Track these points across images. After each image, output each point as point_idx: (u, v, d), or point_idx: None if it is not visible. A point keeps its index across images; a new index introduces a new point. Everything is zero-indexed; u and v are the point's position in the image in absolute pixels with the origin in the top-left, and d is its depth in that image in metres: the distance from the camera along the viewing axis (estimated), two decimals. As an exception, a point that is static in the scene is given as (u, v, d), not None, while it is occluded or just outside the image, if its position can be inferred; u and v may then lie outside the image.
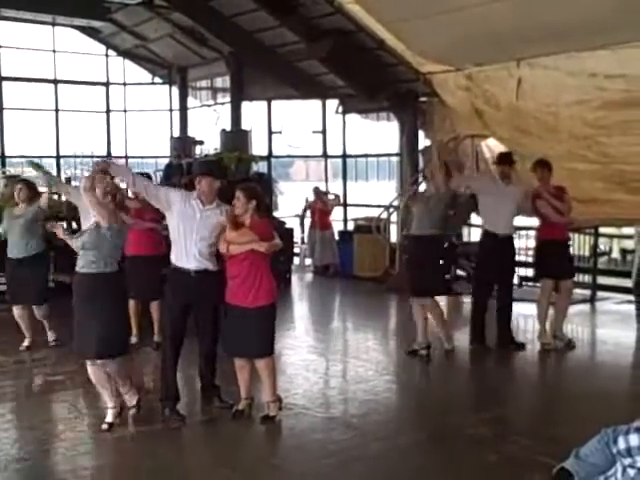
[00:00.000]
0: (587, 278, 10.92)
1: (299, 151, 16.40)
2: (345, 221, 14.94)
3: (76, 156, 15.56)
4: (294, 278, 12.52)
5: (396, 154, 13.94)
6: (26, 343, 7.61)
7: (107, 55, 16.10)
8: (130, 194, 7.13)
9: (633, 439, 2.58)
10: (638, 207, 9.32)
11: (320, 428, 5.47)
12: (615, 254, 15.40)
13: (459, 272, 12.22)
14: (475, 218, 9.84)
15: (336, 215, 14.12)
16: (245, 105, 14.52)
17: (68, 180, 12.62)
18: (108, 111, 16.15)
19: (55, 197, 10.13)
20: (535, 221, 8.35)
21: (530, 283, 10.79)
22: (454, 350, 7.56)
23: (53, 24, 14.67)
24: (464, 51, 9.63)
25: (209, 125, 15.36)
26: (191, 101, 16.38)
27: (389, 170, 14.63)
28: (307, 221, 14.25)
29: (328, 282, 12.82)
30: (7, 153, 14.73)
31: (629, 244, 13.41)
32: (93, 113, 16.05)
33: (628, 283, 9.62)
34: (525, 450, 4.89)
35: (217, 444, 5.28)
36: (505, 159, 7.73)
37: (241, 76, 14.11)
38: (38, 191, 7.64)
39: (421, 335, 7.41)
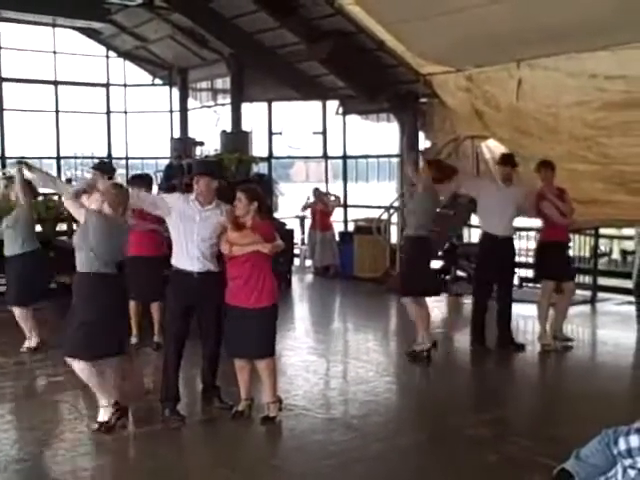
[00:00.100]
0: (587, 279, 10.92)
1: (299, 152, 16.41)
2: (345, 222, 14.94)
3: (76, 157, 15.58)
4: (294, 279, 12.51)
5: (396, 155, 13.95)
6: (27, 344, 7.59)
7: (107, 56, 16.10)
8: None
9: (633, 440, 2.58)
10: (638, 208, 9.32)
11: (320, 429, 5.46)
12: (615, 255, 15.40)
13: (459, 273, 12.22)
14: (475, 219, 9.84)
15: (336, 216, 14.12)
16: (245, 106, 14.52)
17: (69, 181, 12.65)
18: (108, 112, 16.15)
19: (55, 198, 10.12)
20: (535, 222, 8.37)
21: (530, 284, 10.80)
22: (428, 354, 7.34)
23: (53, 25, 14.66)
24: (464, 52, 9.64)
25: (209, 126, 15.37)
26: (191, 102, 16.39)
27: (389, 171, 14.65)
28: (307, 222, 14.25)
29: (328, 283, 12.82)
30: (7, 154, 14.72)
31: (629, 245, 13.41)
32: (93, 114, 16.05)
33: (628, 284, 9.63)
34: (525, 451, 4.89)
35: (217, 445, 5.28)
36: (507, 160, 7.70)
37: (241, 77, 14.11)
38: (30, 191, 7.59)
39: (420, 335, 7.40)
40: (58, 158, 15.55)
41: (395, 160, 14.08)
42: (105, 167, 7.78)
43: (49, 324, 7.73)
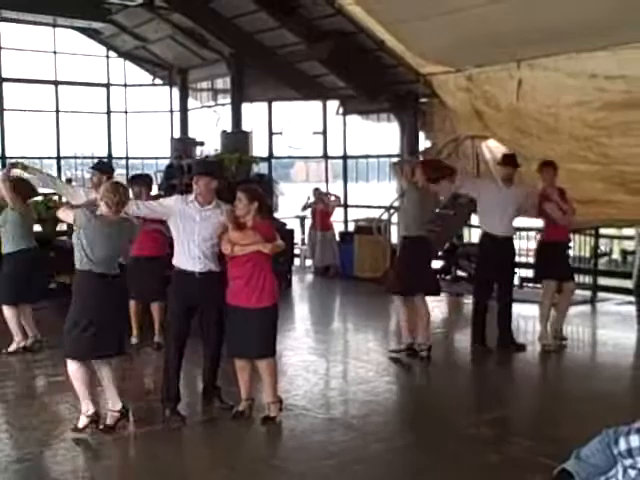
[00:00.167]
0: (588, 279, 10.92)
1: (300, 152, 16.42)
2: (346, 222, 14.94)
3: (77, 157, 15.59)
4: (294, 279, 12.51)
5: (396, 155, 13.95)
6: (14, 346, 7.56)
7: (108, 56, 16.11)
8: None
9: (634, 440, 2.57)
10: (638, 208, 9.33)
11: (320, 429, 5.46)
12: (615, 255, 15.41)
13: (460, 273, 12.23)
14: (476, 218, 9.83)
15: (337, 216, 14.12)
16: (246, 106, 14.52)
17: (69, 181, 12.65)
18: (109, 112, 16.15)
19: (55, 197, 10.12)
20: (535, 222, 8.36)
21: (531, 284, 10.80)
22: (428, 353, 7.34)
23: (54, 25, 14.68)
24: (464, 52, 9.64)
25: (210, 126, 15.38)
26: (192, 102, 16.39)
27: (389, 171, 14.65)
28: (307, 222, 14.25)
29: (328, 283, 12.82)
30: (8, 154, 14.73)
31: (630, 245, 13.42)
32: (94, 114, 16.05)
33: (628, 284, 9.63)
34: (526, 451, 4.89)
35: (217, 445, 5.29)
36: (509, 161, 7.67)
37: (242, 77, 14.11)
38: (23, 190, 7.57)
39: (421, 336, 7.41)
40: (58, 158, 15.57)
41: (395, 160, 14.07)
42: (104, 167, 7.77)
43: (49, 324, 7.74)
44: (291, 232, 12.67)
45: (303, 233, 14.65)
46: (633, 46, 8.06)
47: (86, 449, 5.08)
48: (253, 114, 15.22)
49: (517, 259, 9.04)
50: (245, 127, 14.22)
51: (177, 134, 15.94)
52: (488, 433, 5.29)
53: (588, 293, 10.54)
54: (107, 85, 16.15)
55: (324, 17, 11.75)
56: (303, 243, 14.55)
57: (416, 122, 13.25)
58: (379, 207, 12.90)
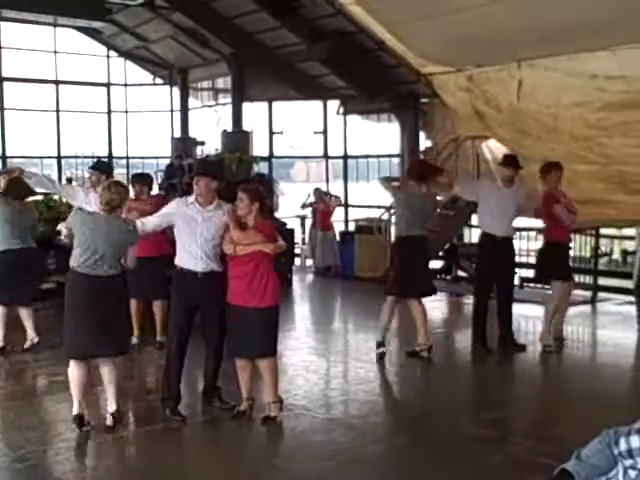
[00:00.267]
0: (588, 279, 10.92)
1: (300, 152, 16.43)
2: (346, 222, 14.95)
3: (77, 157, 15.59)
4: (295, 279, 12.51)
5: (397, 155, 13.95)
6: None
7: (108, 56, 16.12)
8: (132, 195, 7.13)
9: (634, 440, 2.58)
10: (638, 208, 9.33)
11: (321, 429, 5.46)
12: (616, 255, 15.42)
13: (461, 273, 12.22)
14: (476, 219, 9.83)
15: (337, 216, 14.12)
16: (246, 106, 14.53)
17: (69, 180, 12.65)
18: (109, 112, 16.16)
19: (56, 197, 10.11)
20: (535, 222, 8.35)
21: (531, 284, 10.80)
22: (429, 353, 7.36)
23: (54, 25, 14.69)
24: (465, 52, 9.64)
25: (210, 126, 15.38)
26: (192, 102, 16.40)
27: (390, 171, 14.64)
28: (308, 222, 14.25)
29: (329, 283, 12.82)
30: (8, 154, 14.74)
31: (630, 245, 13.43)
32: (94, 114, 16.06)
33: (629, 284, 9.62)
34: (526, 451, 4.89)
35: (218, 445, 5.29)
36: (510, 162, 7.62)
37: (242, 77, 14.13)
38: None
39: (420, 336, 7.42)
40: (59, 158, 15.58)
41: (396, 160, 14.08)
42: (102, 166, 7.77)
43: (49, 324, 7.75)
44: (291, 232, 12.67)
45: (304, 233, 14.65)
46: (633, 46, 8.05)
47: (86, 449, 5.09)
48: (253, 114, 15.24)
49: (517, 259, 9.04)
50: (245, 127, 14.24)
51: (177, 134, 15.95)
52: (489, 433, 5.29)
53: (588, 293, 10.53)
54: (108, 85, 16.17)
55: (324, 17, 11.76)
56: (304, 243, 14.55)
57: (416, 122, 13.25)
58: (379, 207, 12.89)
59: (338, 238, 13.55)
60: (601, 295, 10.61)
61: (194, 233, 5.44)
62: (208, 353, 5.72)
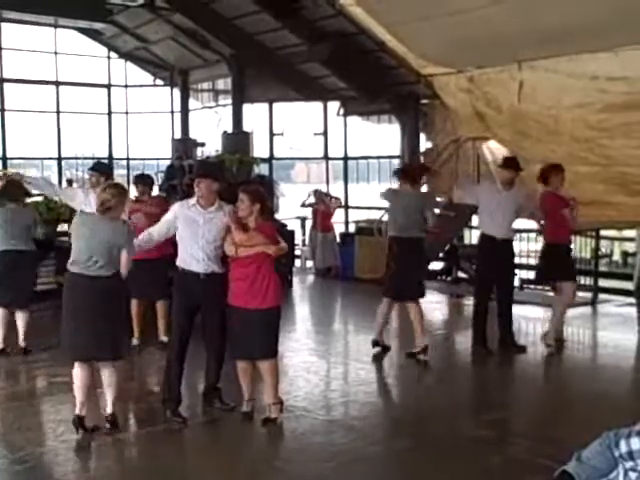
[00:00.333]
0: (588, 281, 10.91)
1: (300, 153, 16.43)
2: (346, 223, 14.94)
3: (77, 158, 15.59)
4: (295, 280, 12.51)
5: (397, 156, 13.95)
6: None
7: (109, 57, 16.12)
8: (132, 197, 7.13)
9: (635, 442, 2.57)
10: (639, 209, 9.32)
11: (321, 430, 5.46)
12: (616, 257, 15.43)
13: (461, 274, 12.22)
14: (476, 219, 9.84)
15: (337, 217, 14.12)
16: (246, 107, 14.54)
17: (70, 182, 12.65)
18: (110, 113, 16.16)
19: (56, 198, 10.11)
20: (534, 224, 8.35)
21: (532, 286, 10.80)
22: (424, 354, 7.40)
23: (55, 26, 14.69)
24: (465, 53, 9.64)
25: (210, 127, 15.39)
26: (193, 103, 16.40)
27: (390, 172, 14.63)
28: (308, 223, 14.25)
29: (329, 284, 12.82)
30: (9, 155, 14.74)
31: (630, 247, 13.42)
32: (95, 115, 16.07)
33: (629, 286, 9.61)
34: (527, 452, 4.89)
35: (218, 446, 5.29)
36: (510, 164, 7.60)
37: (242, 78, 14.13)
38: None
39: (417, 337, 7.46)
40: (59, 159, 15.58)
41: (396, 161, 14.07)
42: (102, 167, 7.77)
43: (49, 324, 7.74)
44: (292, 233, 12.67)
45: (304, 234, 14.65)
46: (635, 47, 8.06)
47: (87, 450, 5.08)
48: (254, 115, 15.24)
49: (518, 261, 9.03)
50: (246, 128, 14.24)
51: (178, 135, 15.96)
52: (489, 434, 5.29)
53: (589, 295, 10.53)
54: (108, 86, 16.16)
55: (325, 18, 11.76)
56: (304, 244, 14.55)
57: (417, 123, 13.25)
58: (380, 208, 12.86)
59: (338, 239, 13.55)
60: (601, 297, 10.60)
61: (196, 235, 5.44)
62: (209, 355, 5.72)
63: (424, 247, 7.61)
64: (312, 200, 13.51)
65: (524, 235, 11.18)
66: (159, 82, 16.64)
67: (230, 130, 14.01)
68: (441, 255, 12.46)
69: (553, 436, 5.13)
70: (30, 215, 7.70)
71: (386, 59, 11.90)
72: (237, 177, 11.24)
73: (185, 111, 16.19)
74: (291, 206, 14.39)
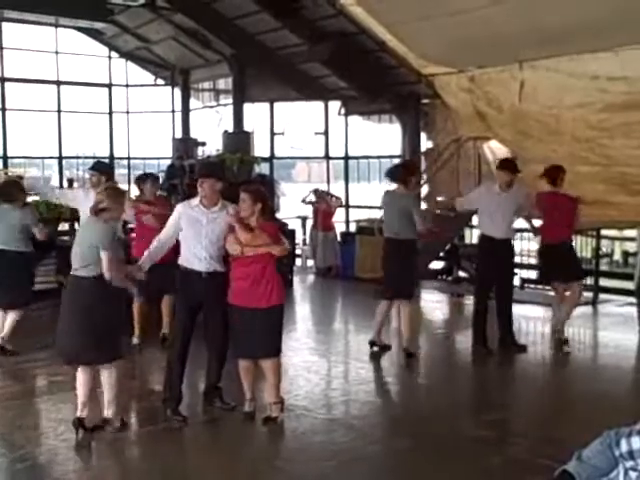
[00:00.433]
0: (589, 280, 10.90)
1: (301, 153, 16.43)
2: (347, 222, 14.94)
3: (78, 157, 15.60)
4: (296, 279, 12.51)
5: (398, 156, 13.95)
6: None
7: (110, 57, 16.13)
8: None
9: (635, 442, 2.57)
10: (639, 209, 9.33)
11: (321, 430, 5.46)
12: (617, 256, 15.42)
13: (462, 274, 12.23)
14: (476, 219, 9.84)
15: (338, 217, 14.12)
16: (247, 107, 14.54)
17: (70, 182, 12.64)
18: (111, 112, 16.16)
19: (56, 201, 10.11)
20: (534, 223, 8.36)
21: (532, 285, 10.80)
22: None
23: (56, 26, 14.69)
24: (466, 53, 9.64)
25: (211, 126, 15.39)
26: (193, 102, 16.41)
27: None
28: (309, 222, 14.25)
29: (330, 283, 12.82)
30: (10, 154, 14.75)
31: (631, 246, 13.43)
32: (96, 114, 16.07)
33: (630, 285, 9.62)
34: (527, 452, 4.89)
35: (219, 445, 5.29)
36: (507, 166, 7.56)
37: (243, 78, 14.13)
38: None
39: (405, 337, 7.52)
40: (60, 158, 15.58)
41: (397, 161, 14.06)
42: (102, 167, 7.75)
43: (49, 324, 7.72)
44: (292, 232, 12.67)
45: (304, 234, 14.65)
46: (635, 47, 8.06)
47: (87, 449, 5.09)
48: (255, 114, 15.25)
49: (518, 260, 9.03)
50: (247, 127, 14.25)
51: (179, 134, 15.96)
52: (489, 434, 5.29)
53: (589, 294, 10.52)
54: (109, 85, 16.17)
55: (326, 18, 11.76)
56: (304, 244, 14.55)
57: (418, 123, 13.26)
58: (380, 208, 12.86)
59: (339, 239, 13.55)
60: (602, 296, 10.60)
61: (199, 235, 5.44)
62: (211, 354, 5.72)
63: (414, 249, 7.60)
64: (312, 198, 13.52)
65: (524, 235, 11.16)
66: (160, 82, 16.64)
67: (231, 130, 14.01)
68: (442, 254, 12.46)
69: (553, 436, 5.13)
70: (22, 215, 7.47)
71: (387, 59, 11.90)
72: (238, 176, 11.24)
73: (186, 111, 16.19)
74: (292, 205, 14.40)
